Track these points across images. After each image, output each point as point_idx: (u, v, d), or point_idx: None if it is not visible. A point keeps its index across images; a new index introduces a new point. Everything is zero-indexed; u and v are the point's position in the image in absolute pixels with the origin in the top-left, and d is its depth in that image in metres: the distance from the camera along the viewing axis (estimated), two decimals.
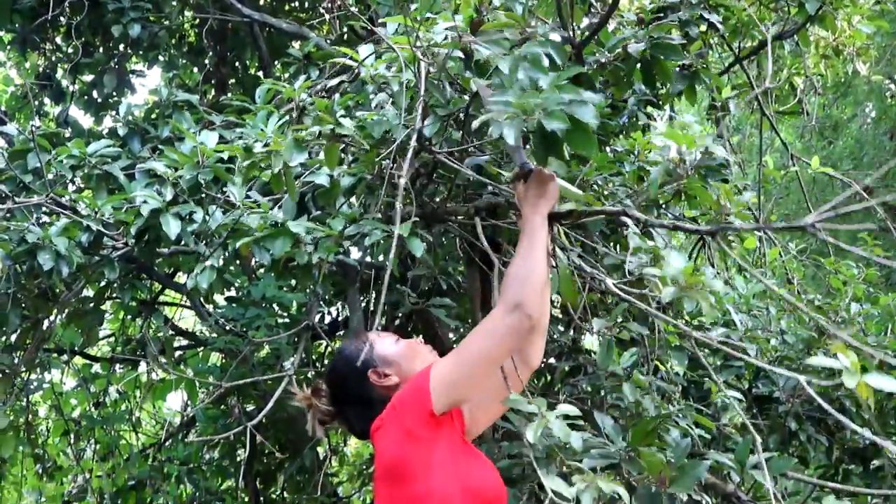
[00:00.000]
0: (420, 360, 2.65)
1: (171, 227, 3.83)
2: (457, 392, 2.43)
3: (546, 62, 2.54)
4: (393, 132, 3.09)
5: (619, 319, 3.65)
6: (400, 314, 4.86)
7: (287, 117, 3.55)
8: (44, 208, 4.30)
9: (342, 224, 3.51)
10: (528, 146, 2.55)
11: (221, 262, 4.07)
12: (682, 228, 2.79)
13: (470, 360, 2.44)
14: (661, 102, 4.41)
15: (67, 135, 5.13)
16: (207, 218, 3.86)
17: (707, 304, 2.45)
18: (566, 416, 2.33)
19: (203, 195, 3.95)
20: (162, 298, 6.40)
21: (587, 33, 3.69)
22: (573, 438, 2.21)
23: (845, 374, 1.95)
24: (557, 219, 2.80)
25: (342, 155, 3.68)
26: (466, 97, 3.06)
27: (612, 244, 4.27)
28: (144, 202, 3.88)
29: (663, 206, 3.82)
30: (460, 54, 2.84)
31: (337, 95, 3.45)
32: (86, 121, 6.09)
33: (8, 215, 4.22)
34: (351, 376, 2.68)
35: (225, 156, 3.92)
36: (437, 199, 3.72)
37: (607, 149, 4.22)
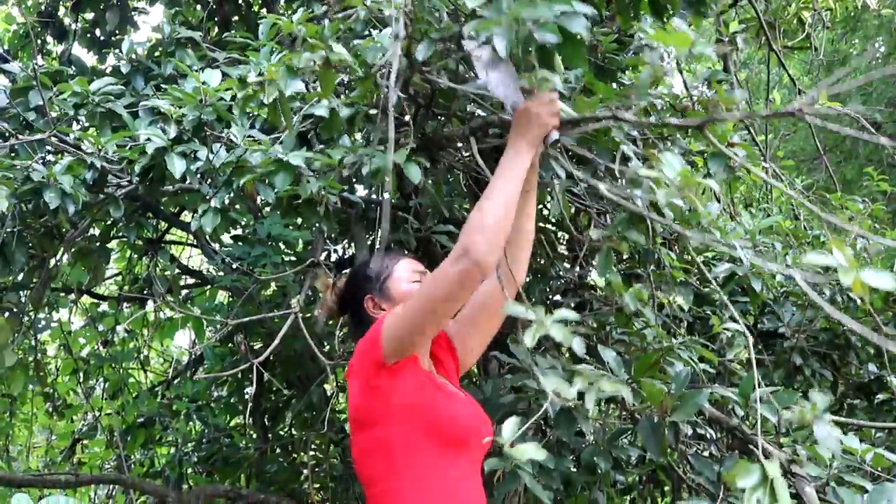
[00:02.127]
0: None
1: (176, 166, 3.82)
2: (406, 341, 2.42)
3: None
4: (387, 58, 3.08)
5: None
6: (406, 252, 4.86)
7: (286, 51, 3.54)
8: (48, 147, 4.30)
9: (341, 154, 3.51)
10: (520, 69, 2.49)
11: (227, 201, 4.06)
12: (669, 125, 2.77)
13: (417, 309, 2.40)
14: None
15: (71, 73, 5.10)
16: (211, 157, 3.86)
17: (701, 206, 2.40)
18: (565, 321, 2.26)
19: (206, 133, 3.95)
20: (168, 237, 6.40)
21: None
22: (575, 343, 2.17)
23: (840, 271, 1.86)
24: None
25: (342, 88, 3.67)
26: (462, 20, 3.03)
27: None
28: (149, 140, 3.87)
29: (668, 138, 3.80)
30: None
31: (327, 21, 3.42)
32: (89, 59, 6.06)
33: (12, 154, 4.21)
34: (355, 293, 2.74)
35: (227, 95, 3.92)
36: (435, 126, 3.71)
37: (613, 84, 4.19)
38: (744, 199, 6.58)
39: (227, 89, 3.84)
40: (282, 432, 6.34)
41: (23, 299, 5.03)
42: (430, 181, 4.31)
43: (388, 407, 2.42)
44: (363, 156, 3.42)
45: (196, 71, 4.26)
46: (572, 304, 4.60)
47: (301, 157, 3.55)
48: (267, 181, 3.61)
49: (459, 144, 4.24)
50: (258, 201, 5.18)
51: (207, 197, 3.93)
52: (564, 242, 5.24)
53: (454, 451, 2.44)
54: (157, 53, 5.06)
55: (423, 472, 2.39)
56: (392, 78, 2.77)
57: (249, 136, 3.79)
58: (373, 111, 3.55)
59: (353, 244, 5.02)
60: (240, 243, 5.03)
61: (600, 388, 2.17)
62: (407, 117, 3.66)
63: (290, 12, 5.45)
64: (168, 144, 3.85)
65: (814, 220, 5.97)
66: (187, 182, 4.01)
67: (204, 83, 3.93)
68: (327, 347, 5.00)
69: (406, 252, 2.83)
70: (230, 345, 5.96)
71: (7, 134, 4.28)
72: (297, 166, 3.54)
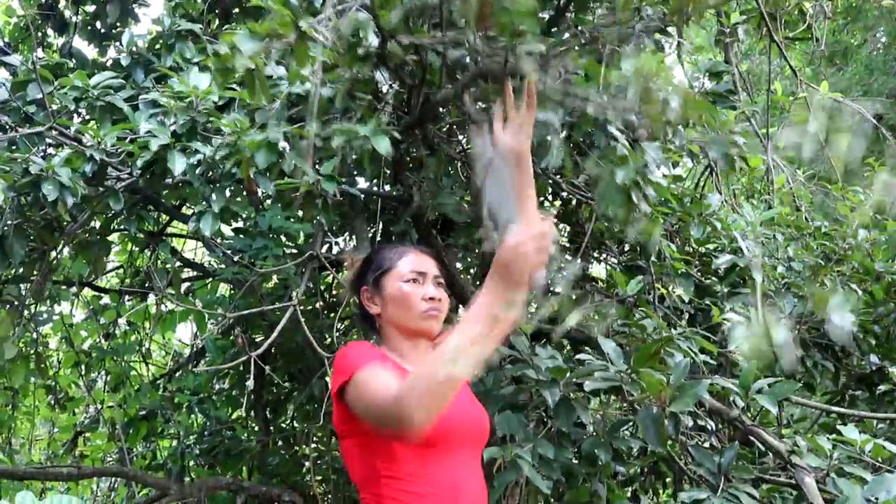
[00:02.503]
0: (409, 315, 2.58)
1: (177, 163, 3.84)
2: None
3: None
4: (363, 29, 3.08)
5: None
6: (416, 246, 4.87)
7: None
8: (48, 140, 4.30)
9: (319, 129, 3.52)
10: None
11: (228, 194, 4.07)
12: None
13: (360, 410, 2.33)
14: (667, 27, 4.35)
15: (71, 66, 5.10)
16: (209, 156, 3.87)
17: (675, 101, 2.38)
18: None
19: (203, 133, 3.97)
20: (169, 230, 6.40)
21: None
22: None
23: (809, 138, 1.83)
24: None
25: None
26: None
27: None
28: (153, 136, 3.88)
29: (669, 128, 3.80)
30: None
31: None
32: (89, 52, 6.05)
33: (13, 148, 4.22)
34: (361, 274, 2.71)
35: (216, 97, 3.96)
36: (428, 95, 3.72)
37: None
38: (745, 190, 6.56)
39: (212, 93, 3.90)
40: (283, 425, 6.34)
41: (23, 292, 5.03)
42: (431, 174, 4.32)
43: (356, 420, 2.41)
44: (331, 129, 3.43)
45: (192, 66, 4.28)
46: (573, 297, 4.59)
47: (280, 133, 3.56)
48: (260, 169, 3.63)
49: (461, 137, 4.24)
50: (259, 194, 5.19)
51: (206, 196, 3.95)
52: (566, 234, 5.24)
53: (437, 451, 2.42)
54: (157, 46, 5.05)
55: (404, 475, 2.38)
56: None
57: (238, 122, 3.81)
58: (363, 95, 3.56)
59: (353, 237, 5.02)
60: (241, 236, 5.03)
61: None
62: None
63: None
64: (171, 141, 3.87)
65: (815, 211, 5.97)
66: (186, 176, 4.02)
67: (194, 86, 3.97)
68: (328, 340, 5.00)
69: (417, 247, 2.75)
70: (231, 337, 5.96)
71: (7, 127, 4.29)
72: (279, 144, 3.56)
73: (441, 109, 3.75)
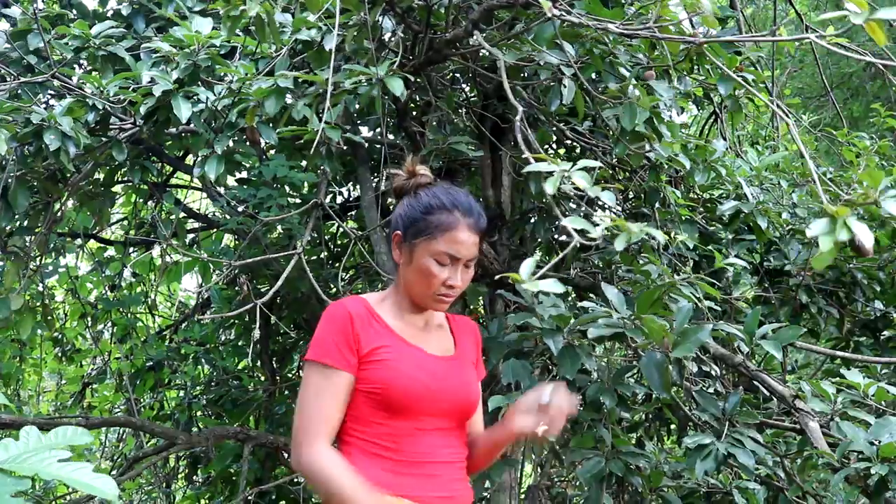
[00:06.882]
0: (422, 291, 2.53)
1: (182, 108, 3.82)
2: None
3: None
4: None
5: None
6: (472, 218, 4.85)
7: None
8: (50, 91, 4.27)
9: (328, 74, 3.52)
10: None
11: (231, 144, 4.06)
12: None
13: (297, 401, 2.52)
14: None
15: (72, 17, 5.06)
16: (212, 98, 3.85)
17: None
18: (586, 169, 2.18)
19: (204, 79, 3.96)
20: (173, 181, 6.39)
21: None
22: (604, 195, 2.11)
23: (852, 16, 1.84)
24: None
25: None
26: None
27: None
28: (155, 83, 3.87)
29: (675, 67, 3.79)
30: None
31: None
32: (90, 2, 6.00)
33: (16, 95, 4.20)
34: (405, 218, 2.57)
35: (218, 42, 3.94)
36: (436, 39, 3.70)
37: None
38: (750, 137, 6.55)
39: (216, 37, 3.86)
40: (290, 374, 6.37)
41: (28, 243, 5.03)
42: (434, 121, 4.30)
43: None
44: (345, 73, 3.42)
45: (193, 14, 4.25)
46: (578, 245, 4.58)
47: (290, 79, 3.55)
48: (264, 117, 3.62)
49: (465, 88, 4.20)
50: (263, 144, 5.18)
51: (210, 141, 3.94)
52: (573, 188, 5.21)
53: (406, 421, 2.45)
54: None
55: (370, 436, 2.43)
56: None
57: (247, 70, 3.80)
58: (367, 44, 3.55)
59: (357, 186, 5.01)
60: (245, 186, 5.02)
61: (629, 230, 2.10)
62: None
63: None
64: (174, 87, 3.85)
65: (821, 157, 5.94)
66: (191, 126, 4.01)
67: (196, 31, 3.95)
68: (333, 289, 5.01)
69: (469, 216, 2.55)
70: (236, 288, 5.97)
71: (9, 76, 4.27)
72: (286, 90, 3.55)
73: (449, 50, 3.72)
